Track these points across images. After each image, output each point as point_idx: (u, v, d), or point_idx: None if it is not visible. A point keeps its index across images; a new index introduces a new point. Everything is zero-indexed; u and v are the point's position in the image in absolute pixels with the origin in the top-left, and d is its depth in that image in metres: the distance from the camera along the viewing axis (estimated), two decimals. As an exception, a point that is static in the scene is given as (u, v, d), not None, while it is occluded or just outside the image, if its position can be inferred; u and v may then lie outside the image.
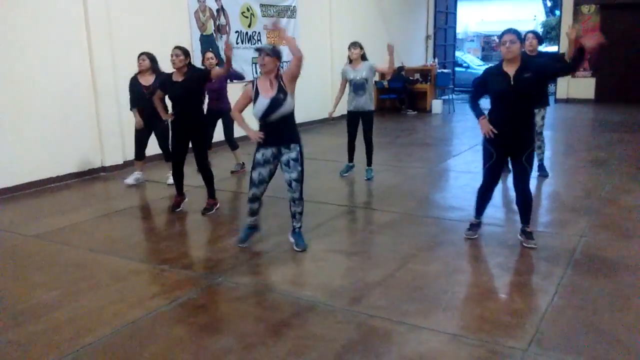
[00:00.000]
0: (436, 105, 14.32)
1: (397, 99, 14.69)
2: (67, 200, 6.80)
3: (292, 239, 4.84)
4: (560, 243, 4.80)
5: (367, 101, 6.97)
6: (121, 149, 8.13)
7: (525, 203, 4.73)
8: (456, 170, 7.81)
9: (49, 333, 3.50)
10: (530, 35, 6.56)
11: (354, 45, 6.96)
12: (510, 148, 4.59)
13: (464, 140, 10.23)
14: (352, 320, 3.55)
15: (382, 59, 14.47)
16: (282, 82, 4.51)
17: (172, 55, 5.69)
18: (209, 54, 7.64)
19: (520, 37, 4.41)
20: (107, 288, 4.14)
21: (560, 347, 3.19)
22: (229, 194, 6.94)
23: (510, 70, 4.40)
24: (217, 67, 5.91)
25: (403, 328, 3.43)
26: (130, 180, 7.30)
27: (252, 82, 4.67)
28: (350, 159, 7.42)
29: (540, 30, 32.75)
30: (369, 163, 7.29)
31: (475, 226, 4.99)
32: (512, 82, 4.38)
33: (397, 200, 6.29)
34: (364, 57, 6.96)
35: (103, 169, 7.96)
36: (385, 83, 14.39)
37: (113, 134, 8.01)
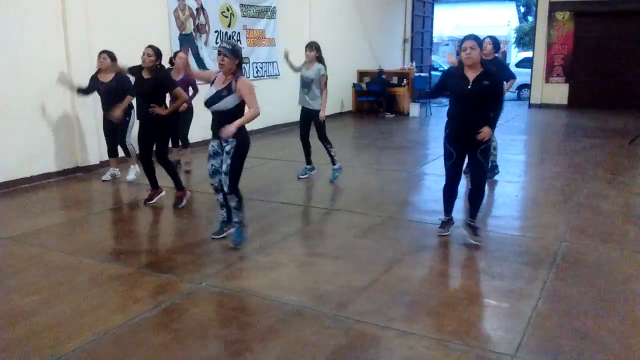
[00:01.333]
0: (414, 108, 14.40)
1: (375, 102, 14.73)
2: (43, 201, 6.63)
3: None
4: (541, 248, 4.86)
5: (312, 100, 7.04)
6: (97, 149, 7.96)
7: (476, 196, 4.95)
8: (435, 174, 7.84)
9: (28, 340, 3.40)
10: (486, 40, 6.73)
11: (310, 47, 7.05)
12: (466, 144, 4.79)
13: (442, 143, 10.27)
14: (339, 325, 3.52)
15: (359, 59, 14.64)
16: (234, 83, 4.60)
17: (143, 53, 5.88)
18: (181, 54, 7.55)
19: (480, 43, 4.69)
20: (87, 292, 4.04)
21: (547, 352, 3.22)
22: (209, 196, 6.86)
23: (471, 74, 4.66)
24: (180, 92, 6.08)
25: (391, 333, 3.42)
26: (106, 176, 7.43)
27: (218, 72, 4.78)
28: (307, 161, 7.40)
29: (513, 35, 33.30)
30: (332, 162, 7.27)
31: (445, 223, 5.16)
32: (469, 86, 4.63)
33: (378, 204, 6.29)
34: (320, 60, 7.02)
35: (79, 169, 7.79)
36: (364, 86, 14.45)
37: (89, 134, 7.84)
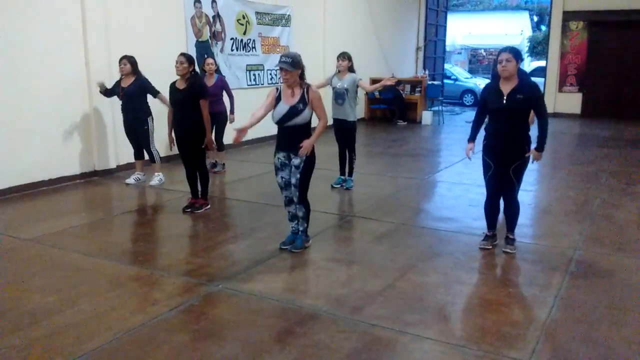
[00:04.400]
0: (426, 116, 14.45)
1: (387, 109, 14.79)
2: (61, 203, 6.74)
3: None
4: (555, 256, 4.88)
5: (347, 111, 7.01)
6: (114, 153, 8.09)
7: (510, 214, 4.98)
8: (448, 181, 7.89)
9: (50, 338, 3.48)
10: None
11: (342, 56, 7.01)
12: (503, 158, 4.74)
13: (455, 152, 10.31)
14: (355, 329, 3.57)
15: (372, 68, 14.72)
16: (306, 94, 4.64)
17: (176, 62, 5.84)
18: (210, 60, 7.92)
19: (517, 55, 4.56)
20: (107, 293, 4.12)
21: (561, 359, 3.25)
22: (228, 201, 6.95)
23: (505, 88, 4.60)
24: (204, 105, 5.96)
25: (406, 338, 3.46)
26: (130, 180, 7.52)
27: (277, 88, 4.79)
28: (342, 172, 7.39)
29: (526, 44, 33.24)
30: (350, 173, 7.35)
31: (489, 237, 5.07)
32: (504, 101, 4.57)
33: (392, 210, 6.33)
34: (351, 69, 7.02)
35: (97, 172, 7.91)
36: (377, 93, 14.51)
37: (107, 138, 7.97)
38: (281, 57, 4.65)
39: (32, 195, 6.96)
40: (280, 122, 4.70)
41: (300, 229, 5.00)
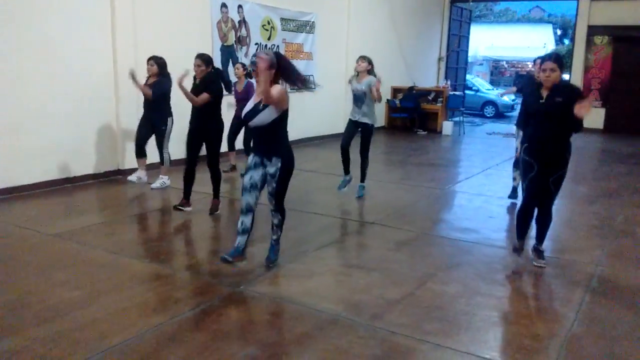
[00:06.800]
0: (447, 126, 14.41)
1: (408, 119, 14.78)
2: (85, 201, 6.85)
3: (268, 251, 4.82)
4: (577, 270, 4.84)
5: (366, 114, 6.95)
6: (138, 153, 8.20)
7: (544, 223, 4.87)
8: (469, 192, 7.86)
9: (74, 332, 3.53)
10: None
11: (363, 58, 7.02)
12: (545, 162, 4.59)
13: (476, 162, 10.29)
14: (374, 335, 3.58)
15: (394, 76, 14.73)
16: None
17: (194, 65, 5.96)
18: (237, 64, 8.13)
19: (560, 65, 4.45)
20: (129, 290, 4.18)
21: (582, 374, 3.23)
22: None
23: (544, 91, 4.52)
24: (202, 97, 5.99)
25: (426, 347, 3.46)
26: (132, 177, 7.61)
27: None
28: (346, 171, 7.24)
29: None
30: (362, 179, 7.26)
31: (520, 250, 4.96)
32: (542, 102, 4.49)
33: (412, 219, 6.33)
34: (371, 72, 6.98)
35: (120, 172, 8.02)
36: (398, 102, 14.52)
37: (131, 138, 8.05)
38: (255, 53, 4.41)
39: (55, 192, 7.07)
40: (244, 120, 4.52)
41: (275, 237, 4.77)
